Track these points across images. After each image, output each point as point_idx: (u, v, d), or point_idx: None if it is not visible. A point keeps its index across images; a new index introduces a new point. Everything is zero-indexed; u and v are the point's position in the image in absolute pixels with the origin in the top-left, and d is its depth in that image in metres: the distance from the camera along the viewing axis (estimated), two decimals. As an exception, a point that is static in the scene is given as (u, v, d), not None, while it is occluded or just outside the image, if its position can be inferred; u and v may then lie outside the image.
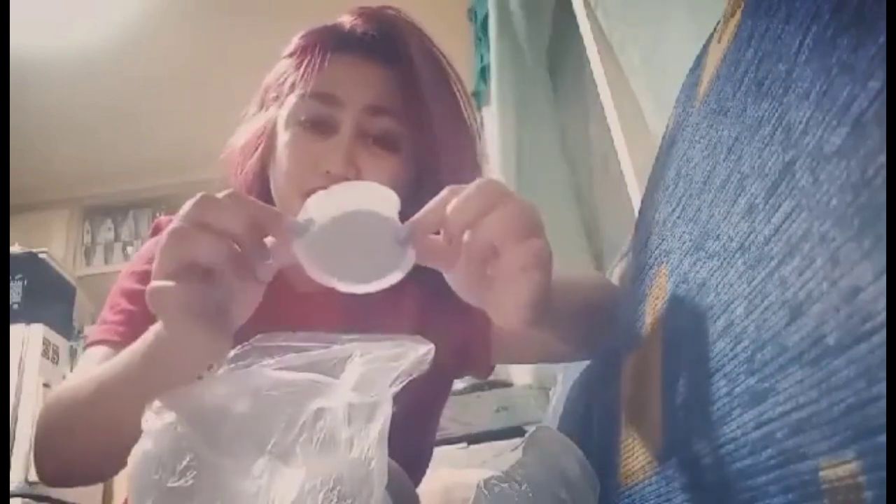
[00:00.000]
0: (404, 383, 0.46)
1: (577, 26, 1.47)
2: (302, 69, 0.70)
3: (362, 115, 0.68)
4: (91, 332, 0.75)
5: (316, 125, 0.69)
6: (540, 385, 1.89)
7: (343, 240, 0.44)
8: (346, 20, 0.74)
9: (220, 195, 0.45)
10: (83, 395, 0.62)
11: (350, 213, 0.44)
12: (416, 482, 0.74)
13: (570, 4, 1.50)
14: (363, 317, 0.71)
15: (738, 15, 0.43)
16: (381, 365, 0.45)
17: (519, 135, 1.92)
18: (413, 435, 0.67)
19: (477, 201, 0.43)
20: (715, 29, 0.50)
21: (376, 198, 0.46)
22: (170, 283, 0.43)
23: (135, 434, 0.50)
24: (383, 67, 0.71)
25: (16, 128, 2.62)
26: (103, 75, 2.66)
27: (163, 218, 0.82)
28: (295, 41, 0.75)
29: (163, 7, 2.42)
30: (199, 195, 0.45)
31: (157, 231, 0.81)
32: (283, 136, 0.70)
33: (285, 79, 0.72)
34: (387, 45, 0.71)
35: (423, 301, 0.72)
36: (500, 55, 1.97)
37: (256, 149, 0.74)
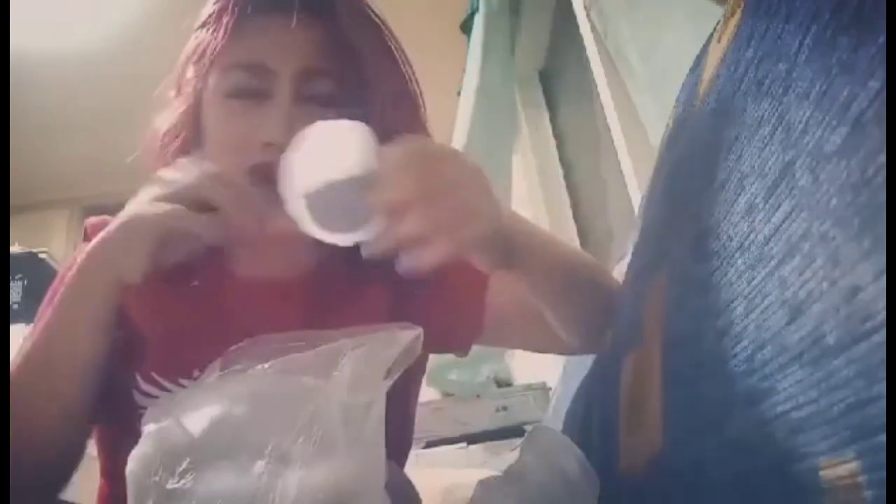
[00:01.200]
0: (398, 375, 0.46)
1: (577, 26, 1.47)
2: (219, 37, 0.63)
3: (297, 79, 0.62)
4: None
5: (247, 94, 0.62)
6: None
7: (327, 204, 0.52)
8: None
9: (206, 175, 0.56)
10: (18, 371, 0.59)
11: (329, 183, 0.51)
12: (400, 464, 0.71)
13: (571, 4, 1.50)
14: (324, 307, 0.67)
15: (738, 15, 0.43)
16: (373, 359, 0.45)
17: (490, 132, 1.92)
18: (392, 418, 0.65)
19: (412, 184, 0.49)
20: (715, 29, 0.50)
21: (349, 149, 0.52)
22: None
23: (70, 398, 0.52)
24: (310, 24, 0.64)
25: (16, 128, 2.61)
26: (104, 75, 2.66)
27: (92, 219, 0.73)
28: (206, 9, 0.67)
29: (163, 7, 2.42)
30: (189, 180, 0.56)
31: (87, 238, 0.70)
32: (211, 114, 0.64)
33: (203, 51, 0.65)
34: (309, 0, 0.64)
35: (392, 288, 0.68)
36: (483, 55, 1.96)
37: (178, 134, 0.67)
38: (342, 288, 0.68)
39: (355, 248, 0.68)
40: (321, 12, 0.64)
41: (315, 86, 0.63)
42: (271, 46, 0.63)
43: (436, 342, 0.73)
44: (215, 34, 0.63)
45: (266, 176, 0.58)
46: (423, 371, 0.79)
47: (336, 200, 0.51)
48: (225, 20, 0.63)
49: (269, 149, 0.59)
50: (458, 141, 1.94)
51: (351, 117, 0.59)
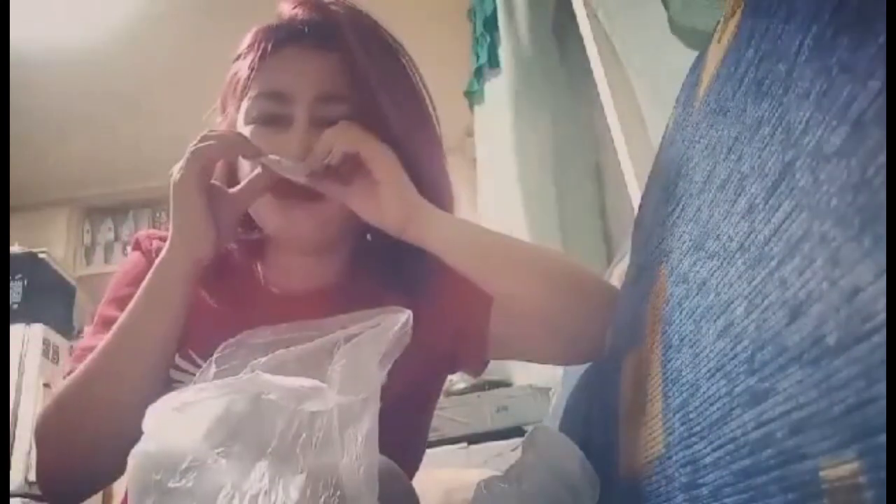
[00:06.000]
0: (392, 363, 0.47)
1: (577, 26, 1.47)
2: (247, 69, 0.72)
3: (314, 105, 0.70)
4: (71, 358, 0.76)
5: (271, 120, 0.70)
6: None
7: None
8: (286, 11, 0.75)
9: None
10: (79, 380, 0.65)
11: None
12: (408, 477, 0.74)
13: (571, 4, 1.50)
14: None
15: (738, 15, 0.43)
16: (365, 355, 0.46)
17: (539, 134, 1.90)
18: (403, 428, 0.68)
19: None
20: (715, 29, 0.50)
21: None
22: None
23: (137, 407, 0.51)
24: (327, 54, 0.71)
25: (16, 127, 2.61)
26: (104, 75, 2.66)
27: (142, 233, 0.82)
28: (242, 42, 0.76)
29: (164, 6, 2.42)
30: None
31: (137, 246, 0.81)
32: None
33: (238, 79, 0.74)
34: (326, 31, 0.71)
35: (409, 302, 0.72)
36: (510, 52, 1.95)
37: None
38: (363, 298, 0.72)
39: (374, 261, 0.73)
40: (336, 43, 0.71)
41: (330, 110, 0.70)
42: (290, 75, 0.71)
43: (447, 366, 0.78)
44: (246, 65, 0.73)
45: (284, 190, 0.68)
46: (439, 390, 0.84)
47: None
48: (251, 56, 0.72)
49: None
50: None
51: None
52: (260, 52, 0.71)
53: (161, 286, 0.67)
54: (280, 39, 0.72)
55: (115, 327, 0.66)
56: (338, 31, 0.70)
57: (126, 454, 0.64)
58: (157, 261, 0.68)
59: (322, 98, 0.70)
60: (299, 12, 0.73)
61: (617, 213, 1.87)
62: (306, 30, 0.72)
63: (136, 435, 0.64)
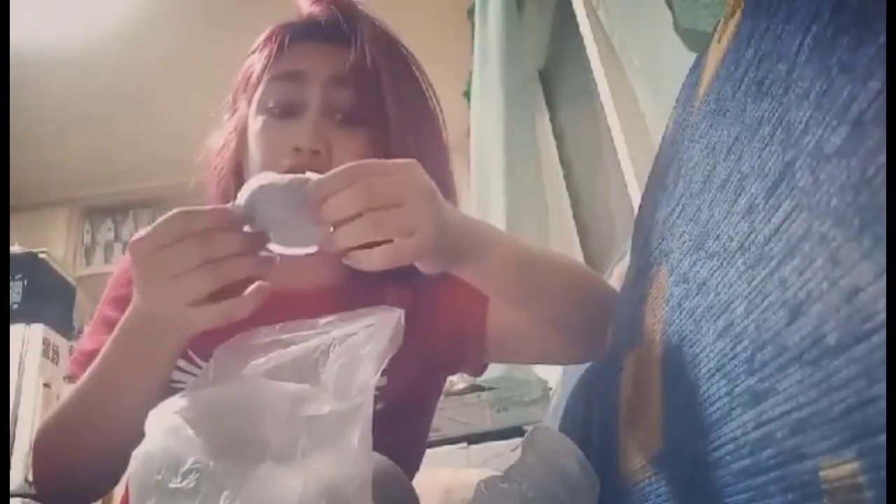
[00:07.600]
0: (386, 363, 0.47)
1: (577, 26, 1.47)
2: (265, 57, 0.73)
3: (328, 87, 0.70)
4: (71, 359, 0.75)
5: (284, 110, 0.70)
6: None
7: (266, 212, 0.52)
8: (304, 8, 0.76)
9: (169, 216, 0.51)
10: (74, 404, 0.64)
11: (257, 187, 0.52)
12: (408, 478, 0.74)
13: (571, 4, 1.50)
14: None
15: (738, 15, 0.43)
16: (360, 352, 0.46)
17: (508, 134, 1.91)
18: (403, 429, 0.67)
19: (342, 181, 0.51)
20: (715, 29, 0.50)
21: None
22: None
23: (129, 431, 0.48)
24: (342, 48, 0.72)
25: (16, 127, 2.61)
26: (104, 75, 2.65)
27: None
28: (259, 38, 0.77)
29: (162, 7, 2.42)
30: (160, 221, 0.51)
31: None
32: (253, 126, 0.72)
33: (252, 72, 0.74)
34: (342, 28, 0.73)
35: (409, 300, 0.71)
36: (485, 52, 1.97)
37: (229, 147, 0.76)
38: (367, 292, 0.71)
39: None
40: (349, 41, 0.71)
41: (344, 94, 0.70)
42: (306, 58, 0.72)
43: (446, 367, 0.79)
44: (262, 57, 0.73)
45: None
46: (439, 390, 0.83)
47: (276, 206, 0.52)
48: (269, 46, 0.73)
49: (297, 153, 0.67)
50: (473, 140, 1.97)
51: (372, 138, 0.69)
52: (277, 44, 0.72)
53: (141, 348, 0.58)
54: (296, 35, 0.74)
55: (100, 362, 0.60)
56: (352, 29, 0.72)
57: (125, 462, 0.63)
58: (129, 316, 0.58)
59: (336, 80, 0.70)
60: (316, 9, 0.75)
61: (591, 207, 1.88)
62: (325, 26, 0.73)
63: (136, 444, 0.62)
